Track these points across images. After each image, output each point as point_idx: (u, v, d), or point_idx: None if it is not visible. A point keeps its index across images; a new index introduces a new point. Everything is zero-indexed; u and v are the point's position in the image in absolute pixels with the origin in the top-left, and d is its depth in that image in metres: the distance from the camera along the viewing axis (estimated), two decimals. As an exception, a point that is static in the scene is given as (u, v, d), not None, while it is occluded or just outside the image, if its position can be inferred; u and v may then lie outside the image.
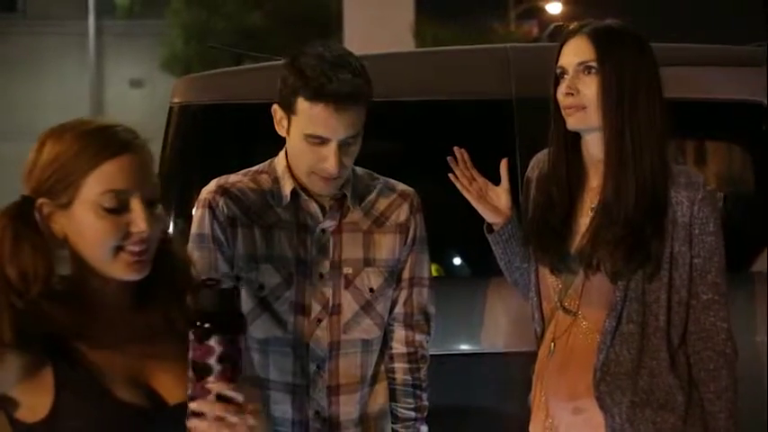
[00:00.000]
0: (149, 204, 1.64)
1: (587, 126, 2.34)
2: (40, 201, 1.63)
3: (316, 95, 2.20)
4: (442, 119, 3.15)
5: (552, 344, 2.41)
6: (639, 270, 2.29)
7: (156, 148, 3.13)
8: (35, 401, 1.59)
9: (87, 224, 1.61)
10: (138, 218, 1.61)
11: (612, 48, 2.30)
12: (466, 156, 2.47)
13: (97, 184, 1.61)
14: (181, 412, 1.58)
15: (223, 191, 2.36)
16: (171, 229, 2.98)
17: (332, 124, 2.21)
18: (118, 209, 1.61)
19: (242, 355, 1.56)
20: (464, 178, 2.46)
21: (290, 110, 2.26)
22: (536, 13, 22.78)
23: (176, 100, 3.09)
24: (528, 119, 2.85)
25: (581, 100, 2.31)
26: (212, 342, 1.52)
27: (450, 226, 2.94)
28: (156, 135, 3.41)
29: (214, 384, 1.53)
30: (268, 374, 2.36)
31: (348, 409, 2.38)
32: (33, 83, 24.16)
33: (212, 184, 2.39)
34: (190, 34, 20.67)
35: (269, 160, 2.41)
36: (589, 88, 2.31)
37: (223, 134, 3.05)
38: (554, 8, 22.27)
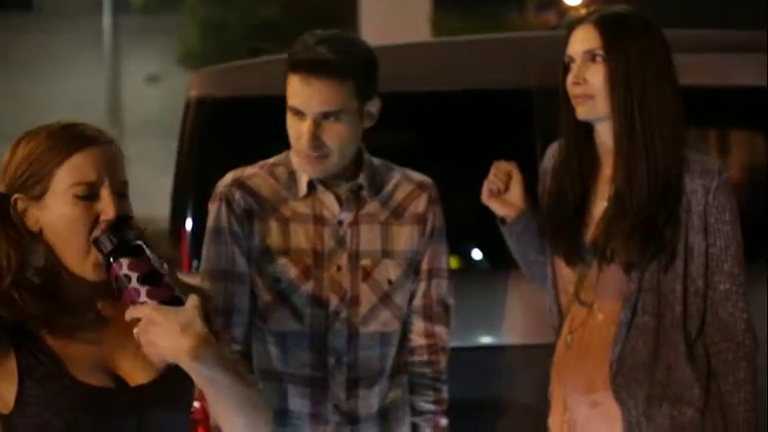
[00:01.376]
0: (119, 197, 1.70)
1: (596, 115, 2.31)
2: (15, 196, 1.69)
3: (292, 66, 2.25)
4: (459, 110, 3.13)
5: (569, 337, 2.39)
6: (654, 260, 2.26)
7: (174, 143, 3.14)
8: (2, 391, 1.64)
9: (60, 213, 1.68)
10: (107, 206, 1.67)
11: (619, 34, 2.27)
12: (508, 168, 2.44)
13: (68, 176, 1.68)
14: (142, 393, 1.68)
15: (239, 184, 2.36)
16: (189, 223, 2.99)
17: (304, 95, 2.23)
18: (88, 196, 1.68)
19: (152, 269, 1.62)
20: (495, 183, 2.44)
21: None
22: (554, 2, 22.68)
23: (193, 93, 3.09)
24: (547, 109, 2.82)
25: (589, 89, 2.29)
26: (121, 261, 1.62)
27: (468, 217, 2.92)
28: (173, 130, 3.41)
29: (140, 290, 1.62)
30: (286, 368, 2.35)
31: (367, 402, 2.37)
32: (49, 80, 24.25)
33: (228, 177, 2.38)
34: (206, 29, 20.71)
35: (285, 152, 2.39)
36: (596, 77, 2.28)
37: (240, 127, 3.05)
38: (571, -2, 22.16)
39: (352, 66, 2.25)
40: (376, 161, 2.41)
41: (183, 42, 21.49)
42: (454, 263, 3.09)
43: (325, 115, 2.23)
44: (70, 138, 1.70)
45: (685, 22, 3.40)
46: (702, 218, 2.27)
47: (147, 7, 22.08)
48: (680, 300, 2.28)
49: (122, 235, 1.65)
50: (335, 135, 2.25)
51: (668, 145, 2.27)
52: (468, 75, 3.10)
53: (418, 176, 2.44)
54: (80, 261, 1.68)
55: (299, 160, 2.30)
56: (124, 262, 1.61)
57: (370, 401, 2.37)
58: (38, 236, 1.69)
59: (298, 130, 2.25)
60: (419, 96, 3.07)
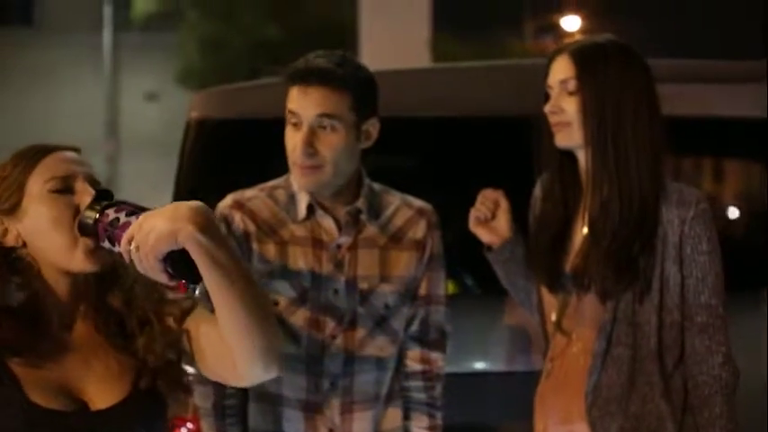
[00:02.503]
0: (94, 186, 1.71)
1: (573, 143, 2.33)
2: None
3: (291, 78, 2.30)
4: (457, 136, 3.15)
5: (549, 365, 2.40)
6: (629, 290, 2.26)
7: (171, 162, 3.15)
8: None
9: (39, 213, 1.67)
10: (84, 193, 1.67)
11: (593, 65, 2.29)
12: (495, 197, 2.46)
13: (40, 177, 1.69)
14: (103, 417, 1.64)
15: (238, 205, 2.38)
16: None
17: (301, 100, 2.28)
18: (64, 190, 1.68)
19: (138, 206, 1.62)
20: (482, 211, 2.46)
21: None
22: (553, 28, 22.77)
23: (194, 114, 3.10)
24: (545, 137, 2.84)
25: (564, 117, 2.31)
26: (107, 211, 1.62)
27: (465, 243, 2.93)
28: (171, 148, 3.43)
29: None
30: (281, 391, 2.36)
31: (362, 426, 2.37)
32: (48, 95, 24.27)
33: (228, 199, 2.40)
34: (205, 47, 20.75)
35: (285, 175, 2.42)
36: (571, 106, 2.30)
37: (240, 149, 3.06)
38: (570, 23, 22.25)
39: (349, 78, 2.29)
40: (376, 186, 2.43)
41: (182, 60, 21.54)
42: (450, 288, 3.09)
43: (321, 122, 2.26)
44: (35, 150, 1.72)
45: (686, 52, 3.43)
46: (678, 248, 2.26)
47: (148, 25, 22.12)
48: (655, 331, 2.26)
49: (103, 197, 1.66)
50: (329, 145, 2.27)
51: (644, 174, 2.27)
52: (467, 101, 3.11)
53: (418, 202, 2.45)
54: (69, 256, 1.66)
55: (294, 175, 2.32)
56: (110, 211, 1.60)
57: (365, 426, 2.37)
58: (20, 255, 1.68)
59: (294, 140, 2.29)
60: (417, 122, 3.08)
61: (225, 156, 3.08)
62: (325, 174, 2.29)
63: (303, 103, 2.28)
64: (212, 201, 2.43)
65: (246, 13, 20.50)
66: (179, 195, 3.05)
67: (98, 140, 24.55)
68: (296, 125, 2.29)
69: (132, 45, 24.59)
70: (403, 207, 2.43)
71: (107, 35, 24.42)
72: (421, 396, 2.43)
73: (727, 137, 3.27)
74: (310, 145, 2.26)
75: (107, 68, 24.68)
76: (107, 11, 24.17)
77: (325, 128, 2.27)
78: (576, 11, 21.99)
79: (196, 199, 2.91)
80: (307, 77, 2.28)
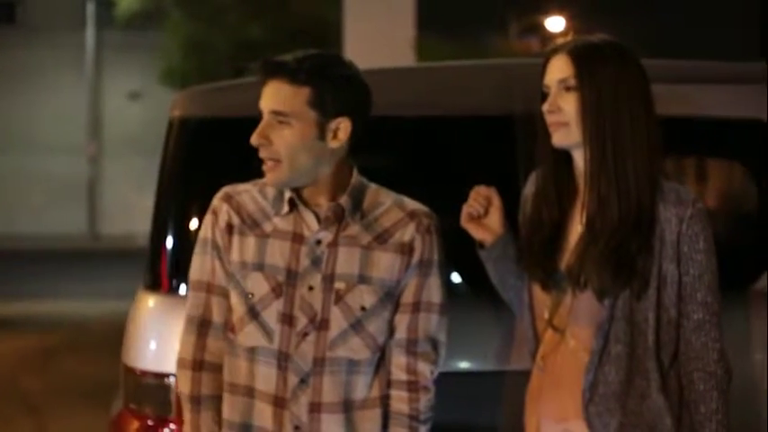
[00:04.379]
0: None
1: (570, 142, 2.33)
2: None
3: (261, 74, 2.33)
4: (442, 135, 3.13)
5: (541, 362, 2.40)
6: (626, 288, 2.27)
7: (154, 161, 3.13)
8: None
9: None
10: None
11: (591, 64, 2.29)
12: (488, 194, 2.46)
13: None
14: None
15: (228, 198, 2.41)
16: (170, 242, 2.97)
17: (263, 96, 2.31)
18: None
19: None
20: (475, 207, 2.46)
21: None
22: (537, 28, 22.83)
23: (176, 113, 3.08)
24: (529, 136, 2.84)
25: (562, 117, 2.32)
26: None
27: (448, 242, 2.92)
28: (154, 148, 3.40)
29: None
30: (254, 383, 2.36)
31: (331, 429, 2.33)
32: (31, 95, 24.16)
33: (222, 191, 2.44)
34: (188, 47, 20.70)
35: None
36: (569, 105, 2.31)
37: (223, 148, 3.03)
38: (555, 24, 22.32)
39: (312, 74, 2.28)
40: (372, 186, 2.40)
41: (165, 60, 21.47)
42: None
43: (276, 116, 2.28)
44: None
45: (668, 53, 3.43)
46: (676, 247, 2.28)
47: (131, 24, 22.03)
48: (653, 329, 2.28)
49: None
50: (283, 140, 2.29)
51: (641, 173, 2.28)
52: (451, 100, 3.10)
53: (413, 205, 2.41)
54: None
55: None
56: None
57: (334, 429, 2.33)
58: None
59: None
60: (401, 121, 3.07)
61: (207, 154, 3.06)
62: (283, 169, 2.30)
63: (263, 98, 2.32)
64: (195, 199, 2.42)
65: (230, 12, 20.43)
66: (161, 195, 3.03)
67: (81, 140, 24.49)
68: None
69: (115, 44, 24.52)
70: (394, 208, 2.39)
71: (90, 34, 24.33)
72: (402, 407, 2.37)
73: (711, 137, 3.27)
74: (263, 137, 2.29)
75: (90, 67, 24.60)
76: (90, 10, 24.07)
77: (281, 122, 2.29)
78: (559, 11, 22.06)
79: (178, 198, 2.92)
80: (263, 71, 2.31)
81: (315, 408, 2.32)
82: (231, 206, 2.39)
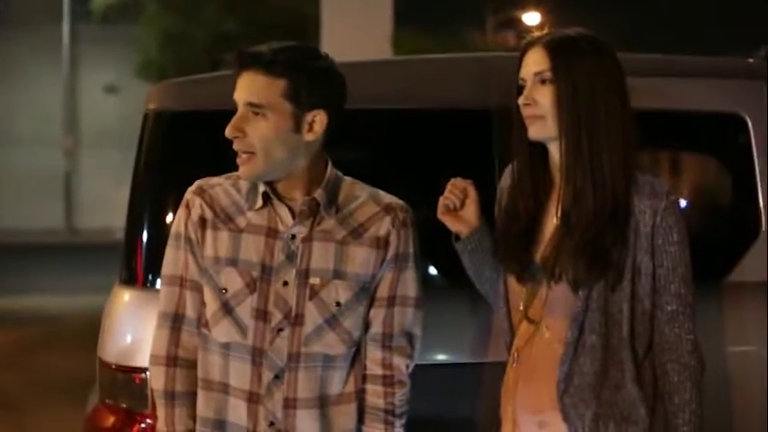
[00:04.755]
0: None
1: (546, 135, 2.34)
2: None
3: (237, 64, 2.31)
4: (418, 128, 3.13)
5: (516, 353, 2.41)
6: (601, 279, 2.28)
7: (132, 155, 3.11)
8: None
9: None
10: None
11: (567, 57, 2.30)
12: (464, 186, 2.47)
13: None
14: None
15: (201, 191, 2.39)
16: (145, 236, 2.96)
17: (238, 87, 2.29)
18: None
19: None
20: (451, 199, 2.46)
21: None
22: (513, 23, 22.87)
23: (151, 106, 3.06)
24: (505, 129, 2.84)
25: (538, 110, 2.32)
26: None
27: (425, 235, 2.92)
28: (131, 141, 3.38)
29: None
30: (228, 379, 2.34)
31: (306, 424, 2.32)
32: (7, 89, 23.98)
33: (195, 185, 2.42)
34: (165, 40, 20.60)
35: None
36: (545, 98, 2.31)
37: (198, 141, 3.02)
38: (531, 18, 22.37)
39: (288, 66, 2.26)
40: (347, 179, 2.39)
41: (142, 53, 21.36)
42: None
43: (251, 108, 2.26)
44: None
45: (643, 48, 3.44)
46: (650, 239, 2.29)
47: (107, 17, 21.90)
48: (627, 320, 2.29)
49: None
50: (258, 131, 2.26)
51: (616, 165, 2.29)
52: (427, 94, 3.10)
53: (388, 199, 2.40)
54: None
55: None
56: None
57: (309, 424, 2.32)
58: None
59: None
60: (378, 114, 3.06)
61: (182, 147, 3.04)
62: (258, 162, 2.27)
63: (238, 89, 2.29)
64: (170, 193, 2.41)
65: (207, 5, 20.34)
66: (136, 188, 3.02)
67: (57, 134, 24.33)
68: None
69: (91, 38, 24.37)
70: (369, 202, 2.38)
71: (66, 28, 24.17)
72: (378, 401, 2.37)
73: (684, 130, 3.29)
74: (237, 129, 2.26)
75: (66, 61, 24.43)
76: (66, 3, 23.91)
77: (256, 114, 2.26)
78: (536, 7, 22.11)
79: (153, 192, 2.90)
80: (239, 63, 2.29)
81: (290, 403, 2.31)
82: (204, 200, 2.37)
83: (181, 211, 2.40)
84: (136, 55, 21.52)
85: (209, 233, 2.35)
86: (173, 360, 2.38)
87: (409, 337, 2.39)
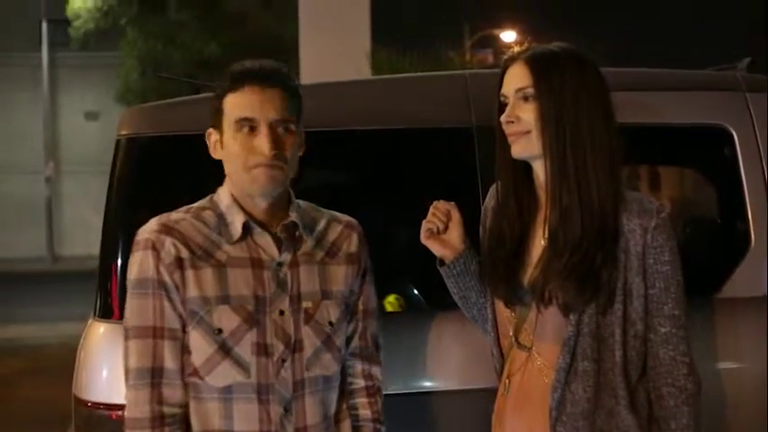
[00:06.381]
0: None
1: (531, 153, 2.27)
2: None
3: (238, 80, 2.22)
4: (400, 148, 3.07)
5: (507, 381, 2.34)
6: (592, 302, 2.20)
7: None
8: None
9: None
10: None
11: (550, 72, 2.23)
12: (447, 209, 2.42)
13: None
14: None
15: (167, 230, 2.24)
16: (119, 264, 2.86)
17: (257, 103, 2.20)
18: None
19: None
20: (434, 223, 2.41)
21: (219, 119, 2.25)
22: (491, 41, 22.97)
23: (123, 132, 2.98)
24: (489, 147, 2.79)
25: (522, 126, 2.25)
26: None
27: (409, 256, 2.86)
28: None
29: None
30: (232, 426, 2.21)
31: None
32: (-14, 116, 23.89)
33: (153, 224, 2.26)
34: (145, 66, 20.58)
35: (208, 197, 2.32)
36: (528, 114, 2.24)
37: (171, 166, 2.95)
38: (508, 36, 22.47)
39: (295, 85, 2.27)
40: (302, 203, 2.36)
41: (122, 79, 21.33)
42: (397, 304, 3.02)
43: (278, 124, 2.20)
44: None
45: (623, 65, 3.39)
46: (641, 258, 2.22)
47: (86, 44, 21.86)
48: (620, 344, 2.22)
49: None
50: (289, 146, 2.22)
51: (603, 182, 2.22)
52: (409, 113, 3.04)
53: (344, 217, 2.41)
54: None
55: (253, 177, 2.21)
56: None
57: None
58: None
59: (251, 142, 2.20)
60: (359, 135, 3.01)
61: (155, 173, 2.96)
62: (285, 175, 2.24)
63: (259, 105, 2.19)
64: (143, 218, 2.32)
65: (186, 31, 20.35)
66: (109, 218, 2.92)
67: (38, 160, 24.22)
68: (252, 129, 2.20)
69: (71, 64, 24.33)
70: (332, 222, 2.39)
71: (45, 54, 24.10)
72: (366, 412, 2.40)
73: (669, 144, 3.25)
74: (277, 144, 2.20)
75: (46, 88, 24.36)
76: (45, 29, 23.86)
77: (282, 130, 2.21)
78: (513, 26, 22.23)
79: (127, 217, 2.80)
80: (264, 77, 2.21)
81: None
82: (176, 238, 2.22)
83: (143, 254, 2.21)
84: (116, 81, 21.48)
85: (189, 273, 2.20)
86: (159, 420, 2.19)
87: (377, 346, 2.43)
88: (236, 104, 2.21)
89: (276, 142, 2.19)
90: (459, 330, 2.81)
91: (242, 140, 2.20)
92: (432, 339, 2.84)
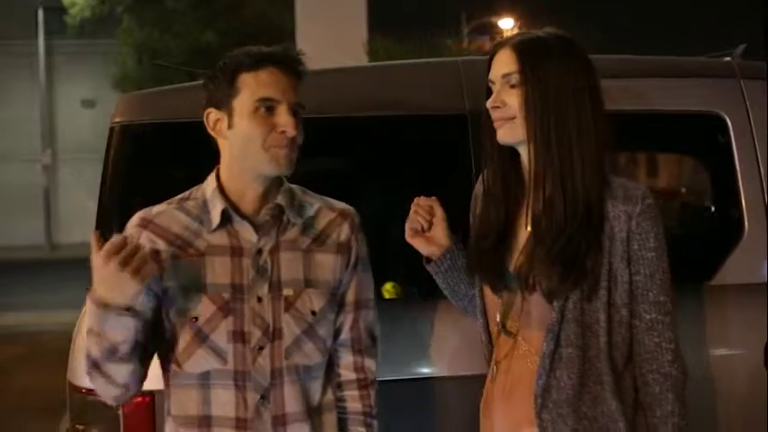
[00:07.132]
0: None
1: (516, 139, 2.25)
2: None
3: (260, 61, 2.22)
4: (395, 135, 3.07)
5: (494, 367, 2.33)
6: (576, 288, 2.19)
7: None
8: None
9: None
10: None
11: (536, 58, 2.22)
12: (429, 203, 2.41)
13: None
14: None
15: (144, 223, 2.28)
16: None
17: (281, 85, 2.22)
18: None
19: None
20: (418, 221, 2.40)
21: (228, 99, 2.23)
22: (488, 28, 22.93)
23: (117, 119, 2.98)
24: (484, 132, 2.79)
25: (507, 112, 2.24)
26: None
27: (405, 244, 2.86)
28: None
29: None
30: (210, 411, 2.25)
31: None
32: (-18, 104, 23.86)
33: (135, 218, 2.30)
34: (142, 53, 20.56)
35: (195, 186, 2.33)
36: (514, 100, 2.23)
37: (165, 153, 2.95)
38: (505, 23, 22.43)
39: (307, 72, 2.28)
40: (295, 187, 2.35)
41: (118, 66, 21.31)
42: (392, 291, 3.02)
43: (296, 107, 2.23)
44: None
45: (619, 51, 3.39)
46: (626, 245, 2.21)
47: (82, 31, 21.83)
48: (604, 330, 2.21)
49: None
50: (300, 132, 2.25)
51: (588, 170, 2.20)
52: (404, 100, 3.04)
53: (340, 205, 2.38)
54: None
55: (272, 156, 2.22)
56: None
57: None
58: None
59: (271, 121, 2.21)
60: (354, 121, 3.01)
61: (149, 160, 2.96)
62: (296, 156, 2.25)
63: (283, 88, 2.22)
64: (137, 206, 2.33)
65: (182, 18, 20.31)
66: (104, 204, 2.93)
67: (35, 148, 24.19)
68: (269, 110, 2.21)
69: (68, 52, 24.29)
70: (324, 209, 2.36)
71: (41, 42, 24.05)
72: (356, 405, 2.35)
73: (663, 131, 3.25)
74: (297, 124, 2.23)
75: (42, 75, 24.32)
76: (41, 17, 23.81)
77: (297, 114, 2.24)
78: (510, 12, 22.20)
79: (121, 204, 2.78)
80: (289, 62, 2.24)
81: (279, 420, 2.25)
82: (151, 231, 2.26)
83: None
84: (113, 68, 21.45)
85: (168, 264, 2.24)
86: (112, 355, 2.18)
87: (373, 338, 2.39)
88: (259, 84, 2.21)
89: (296, 123, 2.22)
90: (450, 319, 2.81)
91: (260, 120, 2.21)
92: (425, 327, 2.85)
